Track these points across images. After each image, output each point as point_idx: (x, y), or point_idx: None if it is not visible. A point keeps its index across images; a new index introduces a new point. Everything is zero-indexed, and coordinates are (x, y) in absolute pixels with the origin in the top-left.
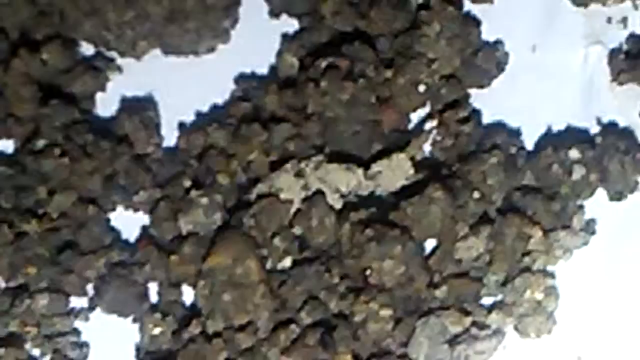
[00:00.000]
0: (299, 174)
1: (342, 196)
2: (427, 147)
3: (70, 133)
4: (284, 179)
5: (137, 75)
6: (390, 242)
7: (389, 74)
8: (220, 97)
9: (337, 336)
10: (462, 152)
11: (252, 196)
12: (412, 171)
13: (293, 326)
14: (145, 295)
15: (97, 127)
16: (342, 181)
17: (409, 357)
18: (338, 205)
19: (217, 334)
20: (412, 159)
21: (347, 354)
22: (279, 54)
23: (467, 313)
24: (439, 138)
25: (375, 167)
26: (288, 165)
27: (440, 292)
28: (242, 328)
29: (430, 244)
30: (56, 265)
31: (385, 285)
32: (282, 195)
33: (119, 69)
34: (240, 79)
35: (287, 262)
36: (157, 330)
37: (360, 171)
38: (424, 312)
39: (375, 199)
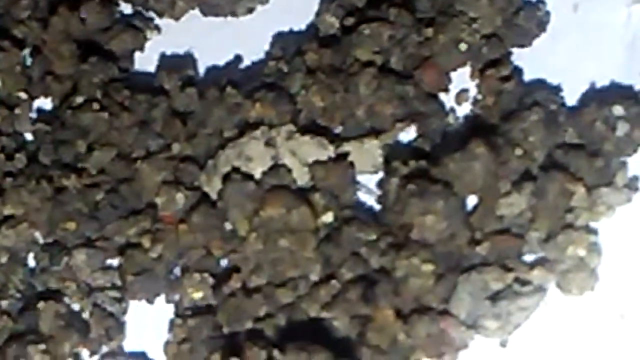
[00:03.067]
0: (269, 143)
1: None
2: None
3: (109, 90)
4: (254, 146)
5: (175, 35)
6: (432, 197)
7: (429, 32)
8: (258, 58)
9: (378, 291)
10: (504, 110)
11: (221, 160)
12: (380, 160)
13: (334, 282)
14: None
15: (135, 83)
16: (313, 155)
17: (450, 312)
18: (304, 180)
19: (257, 289)
20: (383, 147)
21: (388, 309)
22: (318, 14)
23: (509, 269)
24: (480, 96)
25: (345, 147)
26: (258, 132)
27: (482, 249)
28: (282, 283)
29: (472, 201)
30: (95, 221)
31: (427, 241)
32: (251, 165)
33: (158, 28)
34: (279, 37)
35: (329, 217)
36: (198, 295)
37: (331, 147)
38: (466, 269)
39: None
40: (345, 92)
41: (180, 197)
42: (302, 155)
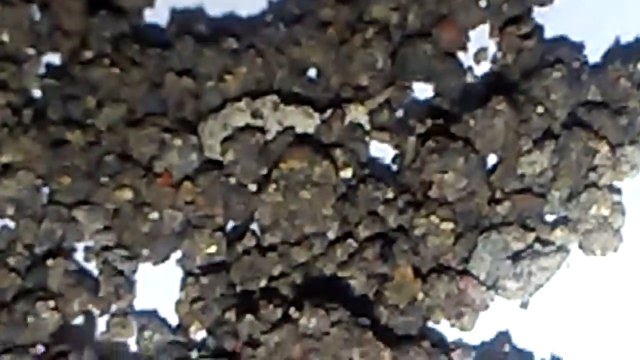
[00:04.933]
0: (256, 115)
1: None
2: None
3: (119, 45)
4: (238, 117)
5: None
6: (451, 154)
7: None
8: (270, 11)
9: (396, 250)
10: (524, 68)
11: (205, 132)
12: (368, 127)
13: (350, 240)
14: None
15: (145, 38)
16: (301, 124)
17: (470, 272)
18: None
19: (272, 247)
20: (369, 113)
21: (407, 267)
22: None
23: (530, 229)
24: (499, 55)
25: (330, 113)
26: (242, 104)
27: (502, 208)
28: (298, 242)
29: (492, 159)
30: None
31: (446, 199)
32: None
33: None
34: None
35: (348, 173)
36: (213, 249)
37: (317, 115)
38: (486, 228)
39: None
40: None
41: (174, 154)
42: (290, 124)
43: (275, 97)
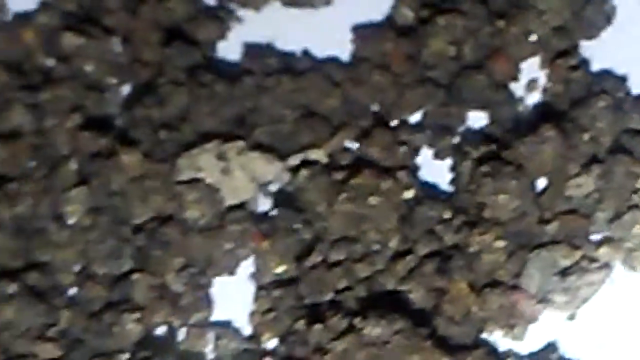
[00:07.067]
0: (221, 157)
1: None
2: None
3: (193, 74)
4: (205, 158)
5: (257, 25)
6: (504, 177)
7: (501, 24)
8: (336, 47)
9: (452, 266)
10: (573, 98)
11: (179, 171)
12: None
13: (410, 257)
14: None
15: (218, 71)
16: (261, 171)
17: (521, 287)
18: (250, 194)
19: (337, 263)
20: (330, 156)
21: (462, 282)
22: (395, 6)
23: (577, 247)
24: (549, 85)
25: (291, 160)
26: (210, 145)
27: (551, 228)
28: (360, 258)
29: (542, 183)
30: None
31: (499, 219)
32: (200, 175)
33: (239, 19)
34: (358, 28)
35: (409, 194)
36: (281, 269)
37: (280, 164)
38: (536, 246)
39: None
40: None
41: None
42: (251, 170)
43: (242, 143)
